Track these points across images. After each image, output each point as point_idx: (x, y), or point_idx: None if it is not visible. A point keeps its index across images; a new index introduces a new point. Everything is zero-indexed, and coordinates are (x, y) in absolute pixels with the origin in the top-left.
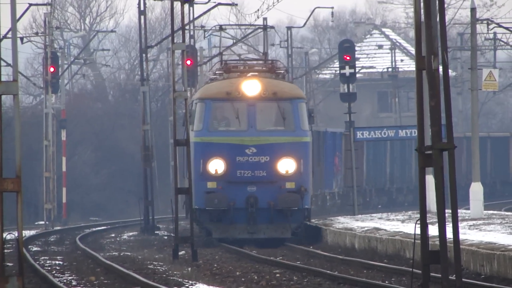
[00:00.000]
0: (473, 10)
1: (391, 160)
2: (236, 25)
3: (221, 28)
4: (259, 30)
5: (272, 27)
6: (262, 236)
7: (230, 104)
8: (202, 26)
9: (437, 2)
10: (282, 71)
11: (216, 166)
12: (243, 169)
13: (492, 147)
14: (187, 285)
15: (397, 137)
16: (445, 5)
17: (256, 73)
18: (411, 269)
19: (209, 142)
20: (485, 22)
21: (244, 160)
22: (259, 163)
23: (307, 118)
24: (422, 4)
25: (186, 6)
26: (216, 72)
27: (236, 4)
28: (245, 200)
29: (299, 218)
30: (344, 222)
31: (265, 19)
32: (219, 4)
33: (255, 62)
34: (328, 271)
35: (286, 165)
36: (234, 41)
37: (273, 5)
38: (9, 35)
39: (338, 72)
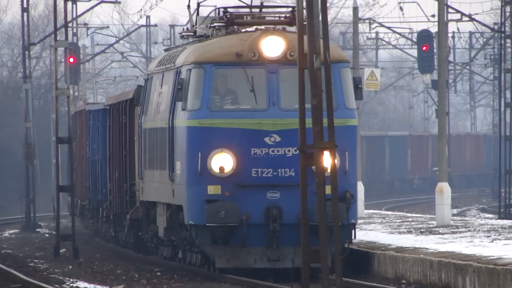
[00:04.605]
0: (355, 9)
1: None
2: None
3: None
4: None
5: (155, 25)
6: (288, 265)
7: (242, 71)
8: (85, 24)
9: (319, 1)
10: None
11: (222, 162)
12: (262, 167)
13: (412, 145)
14: (68, 283)
15: None
16: (328, 4)
17: (275, 26)
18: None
19: (211, 127)
20: (367, 21)
21: (263, 154)
22: (284, 157)
23: (353, 90)
24: (304, 3)
25: (70, 3)
26: (213, 24)
27: (119, 2)
28: (264, 212)
29: (343, 238)
30: None
31: (148, 17)
32: (102, 1)
33: (270, 10)
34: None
35: (325, 161)
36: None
37: (156, 4)
38: None
39: None
